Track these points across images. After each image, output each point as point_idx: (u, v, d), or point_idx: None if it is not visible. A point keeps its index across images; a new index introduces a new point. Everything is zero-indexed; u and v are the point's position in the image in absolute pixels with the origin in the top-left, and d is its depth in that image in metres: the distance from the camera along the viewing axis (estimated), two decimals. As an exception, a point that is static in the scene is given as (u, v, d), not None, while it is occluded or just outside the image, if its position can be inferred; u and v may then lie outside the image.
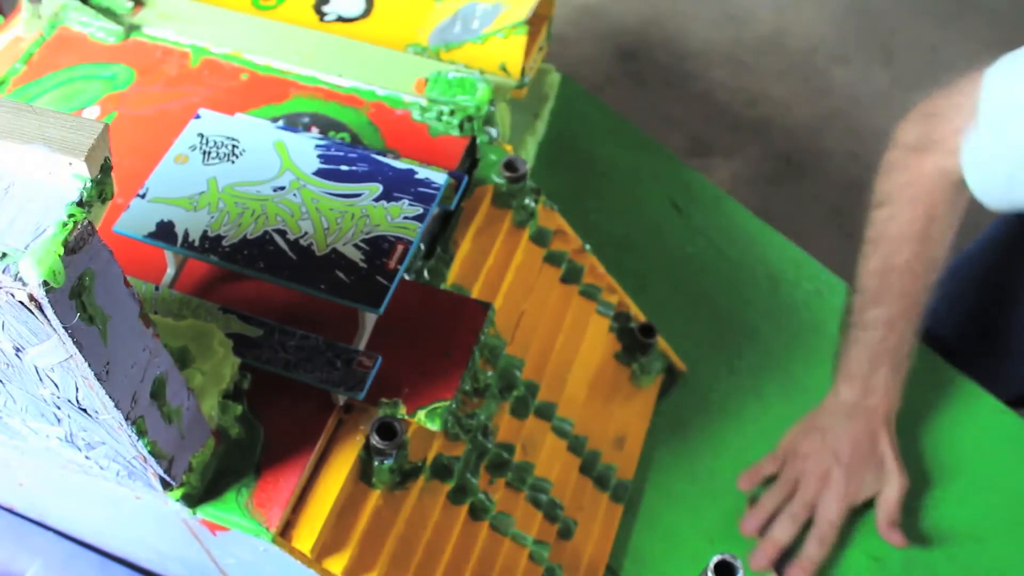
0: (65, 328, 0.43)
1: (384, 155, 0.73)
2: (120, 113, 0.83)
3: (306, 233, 0.68)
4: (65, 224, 0.42)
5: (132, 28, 0.89)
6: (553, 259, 0.88)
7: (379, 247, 0.68)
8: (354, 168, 0.72)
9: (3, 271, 0.41)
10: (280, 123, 0.81)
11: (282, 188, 0.71)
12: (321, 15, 0.92)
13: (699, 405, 1.03)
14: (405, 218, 0.69)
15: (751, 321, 1.09)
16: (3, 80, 0.85)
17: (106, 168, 0.43)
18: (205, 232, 0.68)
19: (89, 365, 0.46)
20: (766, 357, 1.06)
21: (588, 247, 0.90)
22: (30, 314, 0.42)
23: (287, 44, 0.87)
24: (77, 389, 0.49)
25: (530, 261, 0.86)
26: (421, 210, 0.70)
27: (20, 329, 0.45)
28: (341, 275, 0.66)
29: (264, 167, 0.72)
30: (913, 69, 2.20)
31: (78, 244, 0.42)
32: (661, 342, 0.97)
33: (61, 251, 0.41)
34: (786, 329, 1.09)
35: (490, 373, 0.77)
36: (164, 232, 0.68)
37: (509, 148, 0.84)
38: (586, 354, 0.91)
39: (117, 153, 0.44)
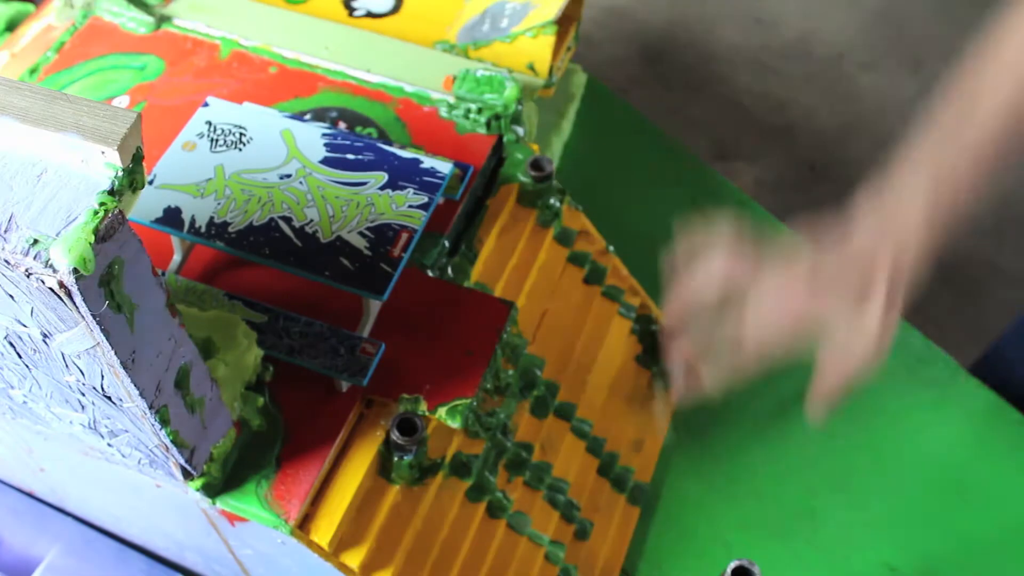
0: (93, 316, 0.43)
1: (390, 144, 0.74)
2: (149, 103, 0.83)
3: (311, 220, 0.69)
4: (96, 212, 0.42)
5: (163, 19, 0.89)
6: (577, 259, 0.88)
7: (384, 235, 0.68)
8: (360, 157, 0.72)
9: (34, 257, 0.41)
10: (308, 117, 0.81)
11: (288, 176, 0.71)
12: (350, 10, 0.92)
13: (718, 409, 1.02)
14: (410, 207, 0.70)
15: (773, 327, 1.08)
16: (35, 68, 0.86)
17: (138, 158, 0.44)
18: (212, 218, 0.69)
19: (116, 353, 0.46)
20: (786, 362, 1.06)
21: (612, 248, 0.90)
22: (59, 301, 0.43)
23: (316, 38, 0.88)
24: (103, 377, 0.49)
25: (554, 261, 0.86)
26: (426, 199, 0.70)
27: (48, 315, 0.45)
28: (346, 262, 0.67)
29: (271, 155, 0.72)
30: (941, 78, 2.19)
31: (108, 232, 0.42)
32: (682, 345, 0.96)
33: (92, 239, 0.41)
34: (807, 336, 1.08)
35: (511, 372, 0.77)
36: (171, 218, 0.69)
37: (535, 147, 0.84)
38: (607, 356, 0.90)
39: (144, 142, 0.44)
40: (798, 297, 0.68)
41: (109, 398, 0.52)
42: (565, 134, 1.08)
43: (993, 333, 1.19)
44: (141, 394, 0.50)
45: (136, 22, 0.89)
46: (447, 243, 0.77)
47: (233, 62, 0.87)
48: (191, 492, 0.62)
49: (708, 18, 2.34)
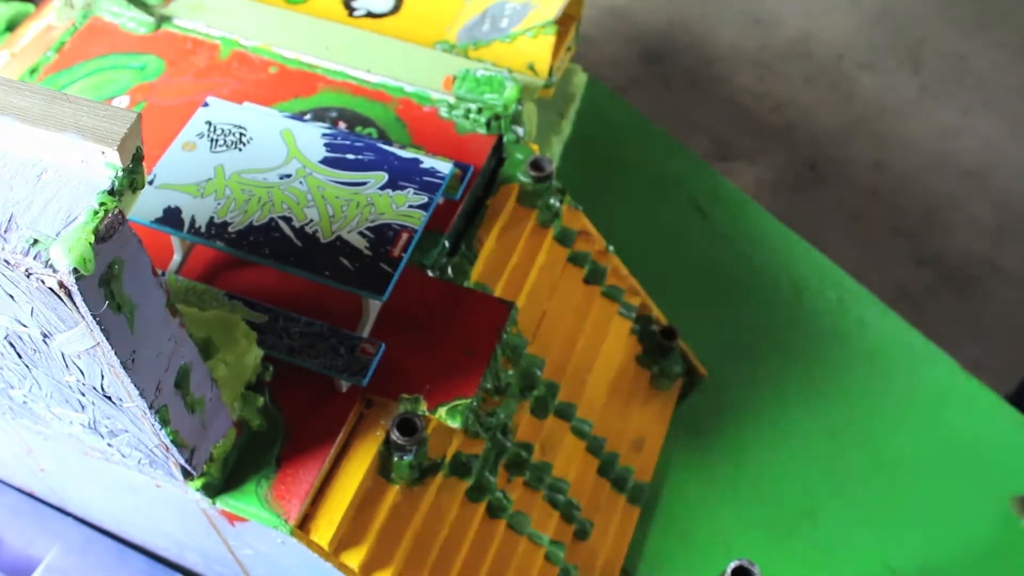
0: (93, 316, 0.43)
1: (390, 144, 0.74)
2: (149, 103, 0.83)
3: (311, 220, 0.69)
4: (96, 212, 0.42)
5: (163, 19, 0.89)
6: (576, 259, 0.88)
7: (384, 235, 0.68)
8: (360, 157, 0.72)
9: (34, 257, 0.41)
10: (308, 117, 0.81)
11: (288, 176, 0.71)
12: (350, 10, 0.92)
13: (718, 410, 1.02)
14: (410, 207, 0.70)
15: (773, 327, 1.08)
16: (35, 68, 0.86)
17: (138, 158, 0.44)
18: (212, 218, 0.69)
19: (116, 353, 0.46)
20: (787, 363, 1.06)
21: (611, 248, 0.90)
22: (59, 301, 0.43)
23: (316, 38, 0.88)
24: (103, 377, 0.49)
25: (554, 261, 0.86)
26: (426, 199, 0.70)
27: (49, 316, 0.45)
28: (345, 262, 0.67)
29: (271, 155, 0.72)
30: (940, 78, 2.19)
31: (108, 232, 0.42)
32: (682, 345, 0.97)
33: (92, 239, 0.41)
34: (807, 336, 1.08)
35: (511, 372, 0.77)
36: (171, 218, 0.69)
37: (535, 147, 0.84)
38: (607, 355, 0.90)
39: (144, 142, 0.44)
40: None
41: (109, 398, 0.52)
42: (565, 134, 1.08)
43: (993, 333, 1.18)
44: (141, 394, 0.50)
45: (136, 22, 0.89)
46: (447, 243, 0.76)
47: (233, 62, 0.87)
48: (191, 492, 0.62)
49: (708, 18, 2.34)
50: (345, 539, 0.66)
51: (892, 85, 2.21)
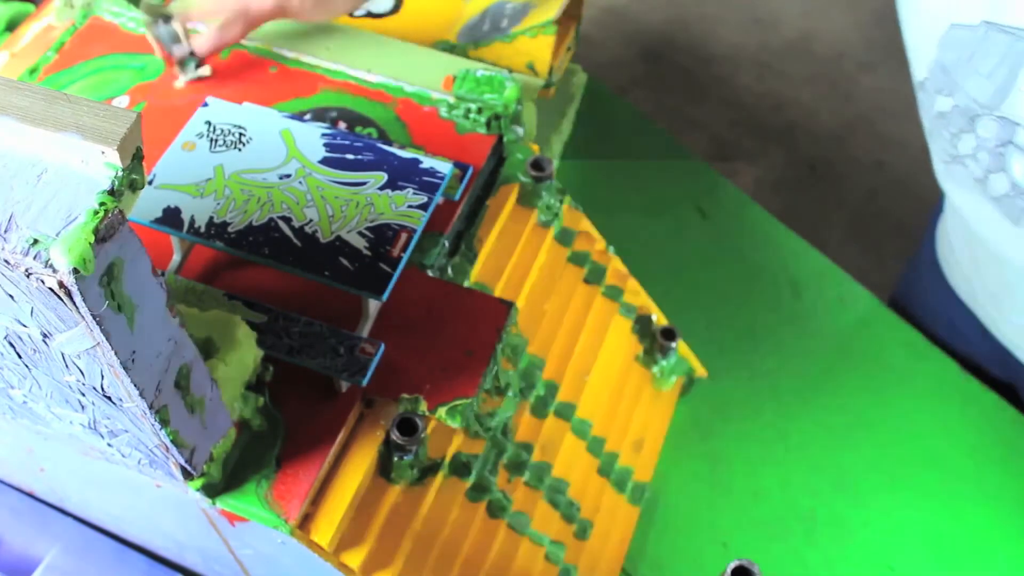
0: (93, 316, 0.43)
1: (390, 144, 0.74)
2: (149, 103, 0.83)
3: (311, 220, 0.69)
4: (96, 212, 0.42)
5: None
6: (577, 259, 0.88)
7: (383, 235, 0.68)
8: (359, 157, 0.73)
9: (34, 257, 0.41)
10: (308, 117, 0.81)
11: (288, 176, 0.71)
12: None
13: (718, 409, 1.02)
14: (409, 207, 0.70)
15: (772, 327, 1.08)
16: (35, 68, 0.86)
17: (138, 157, 0.44)
18: (211, 218, 0.69)
19: (116, 353, 0.46)
20: (787, 363, 1.06)
21: (611, 248, 0.90)
22: (59, 301, 0.43)
23: (316, 38, 0.88)
24: (103, 377, 0.49)
25: (554, 261, 0.86)
26: (425, 199, 0.70)
27: (48, 315, 0.45)
28: (345, 262, 0.67)
29: (270, 155, 0.73)
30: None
31: (108, 232, 0.42)
32: (682, 345, 0.97)
33: (92, 239, 0.41)
34: (807, 336, 1.08)
35: (511, 372, 0.77)
36: (170, 218, 0.69)
37: (535, 147, 0.84)
38: (607, 355, 0.90)
39: (144, 142, 0.44)
40: None
41: (109, 398, 0.52)
42: (565, 134, 1.08)
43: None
44: (141, 394, 0.50)
45: (136, 22, 0.89)
46: (447, 243, 0.77)
47: (233, 62, 0.86)
48: (191, 492, 0.62)
49: (708, 18, 2.34)
50: (345, 539, 0.66)
51: (892, 85, 2.21)
